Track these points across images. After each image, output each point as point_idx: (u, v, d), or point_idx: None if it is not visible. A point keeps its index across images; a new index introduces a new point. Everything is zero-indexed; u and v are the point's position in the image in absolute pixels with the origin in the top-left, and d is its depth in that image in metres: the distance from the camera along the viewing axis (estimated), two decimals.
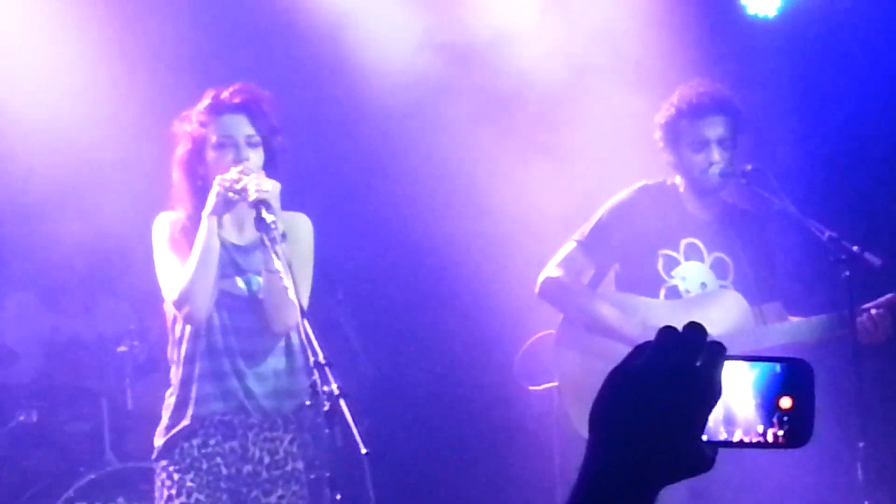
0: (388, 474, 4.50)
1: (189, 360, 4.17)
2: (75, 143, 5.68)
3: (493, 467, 6.32)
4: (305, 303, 3.96)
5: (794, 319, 4.67)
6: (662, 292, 4.68)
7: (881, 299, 4.46)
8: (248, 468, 4.16)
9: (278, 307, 4.06)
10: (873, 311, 4.44)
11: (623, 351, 4.26)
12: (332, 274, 5.58)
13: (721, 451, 1.34)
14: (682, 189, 4.76)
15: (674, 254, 4.70)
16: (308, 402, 3.74)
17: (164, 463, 4.18)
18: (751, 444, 1.34)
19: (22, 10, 5.77)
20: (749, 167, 4.62)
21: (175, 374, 4.24)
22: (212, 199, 4.06)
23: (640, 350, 1.33)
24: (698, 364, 1.31)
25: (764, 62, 6.30)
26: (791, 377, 1.34)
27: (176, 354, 4.24)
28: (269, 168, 4.19)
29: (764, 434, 1.33)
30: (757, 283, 4.71)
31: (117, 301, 6.18)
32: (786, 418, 1.33)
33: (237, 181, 4.03)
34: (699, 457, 1.31)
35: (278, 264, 3.84)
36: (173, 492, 4.13)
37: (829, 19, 6.27)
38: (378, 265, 6.53)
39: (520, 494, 5.99)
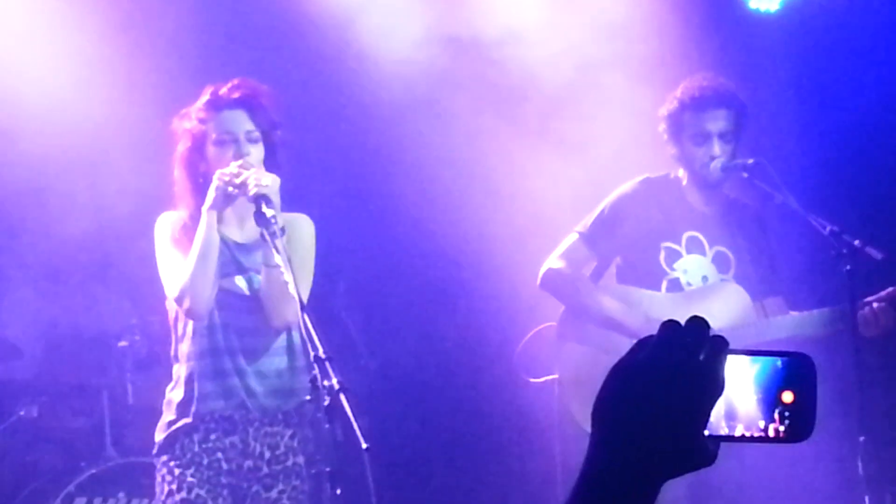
0: (389, 469, 4.51)
1: (190, 359, 4.17)
2: (76, 138, 5.67)
3: (494, 460, 6.32)
4: (305, 299, 3.95)
5: (795, 314, 4.67)
6: (664, 285, 4.68)
7: (882, 293, 4.46)
8: (248, 463, 4.16)
9: (277, 302, 4.05)
10: (875, 305, 4.44)
11: (624, 343, 4.27)
12: (333, 268, 5.58)
13: (721, 445, 1.33)
14: (684, 182, 4.76)
15: (675, 247, 4.70)
16: (308, 398, 3.74)
17: (164, 458, 4.18)
18: (752, 439, 1.33)
19: (23, 3, 5.76)
20: (750, 161, 4.62)
21: (177, 372, 4.24)
22: (211, 194, 4.06)
23: (643, 344, 1.33)
24: (701, 358, 1.30)
25: (766, 57, 6.29)
26: (793, 371, 1.34)
27: (178, 352, 4.24)
28: (270, 163, 4.19)
29: (766, 429, 1.33)
30: (758, 278, 4.71)
31: (118, 296, 6.18)
32: (787, 413, 1.33)
33: (237, 175, 4.03)
34: (702, 451, 1.30)
35: (278, 259, 3.84)
36: (174, 487, 4.13)
37: (830, 14, 6.26)
38: (379, 259, 6.53)
39: (521, 487, 5.99)
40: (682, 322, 1.33)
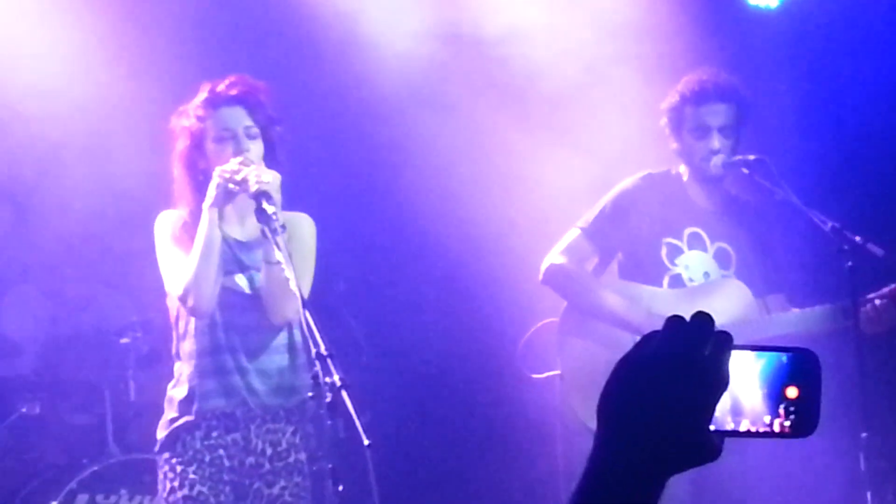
0: (391, 465, 4.51)
1: (192, 357, 4.17)
2: (76, 135, 5.68)
3: (496, 456, 6.33)
4: (306, 297, 3.95)
5: (796, 310, 4.67)
6: (666, 281, 4.68)
7: (884, 289, 4.46)
8: (250, 460, 4.16)
9: (278, 299, 4.05)
10: (876, 302, 4.44)
11: (626, 339, 4.28)
12: (335, 265, 5.57)
13: (724, 440, 1.34)
14: (685, 178, 4.77)
15: (677, 242, 4.70)
16: (310, 394, 3.74)
17: (166, 455, 4.18)
18: (757, 434, 1.33)
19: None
20: (752, 157, 4.62)
21: (178, 369, 4.24)
22: (212, 191, 4.06)
23: (648, 340, 1.33)
24: (706, 353, 1.30)
25: (766, 53, 6.29)
26: (798, 367, 1.34)
27: (179, 350, 4.24)
28: (269, 159, 4.19)
29: (770, 424, 1.33)
30: (760, 274, 4.71)
31: (119, 293, 6.18)
32: (792, 408, 1.33)
33: (237, 172, 4.03)
34: (708, 446, 1.31)
35: (279, 255, 3.84)
36: (176, 484, 4.13)
37: (830, 10, 6.26)
38: (380, 256, 6.53)
39: (523, 482, 5.99)
40: (686, 318, 1.33)
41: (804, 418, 1.33)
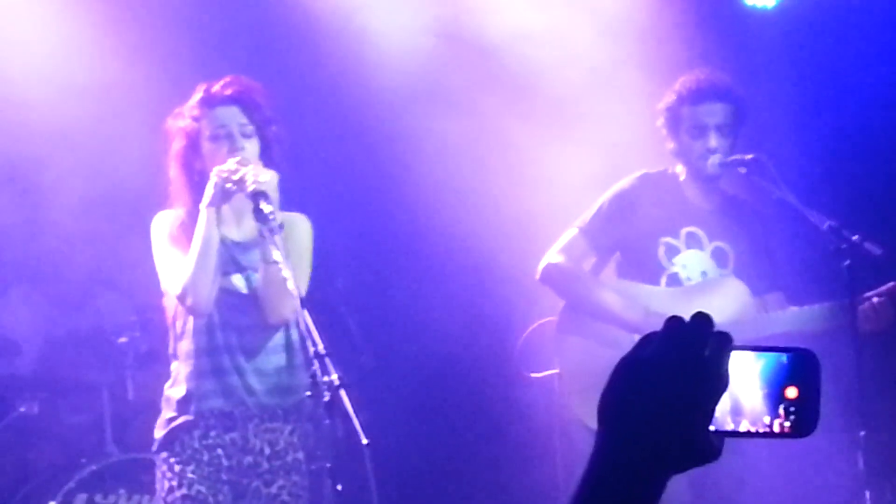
0: (389, 464, 4.50)
1: (189, 356, 4.18)
2: (73, 136, 5.67)
3: (495, 455, 6.32)
4: (303, 295, 3.96)
5: (794, 309, 4.67)
6: (663, 280, 4.69)
7: (882, 288, 4.46)
8: (248, 459, 4.17)
9: (276, 298, 4.05)
10: (874, 300, 4.44)
11: (624, 337, 4.28)
12: (333, 263, 5.57)
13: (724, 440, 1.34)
14: (682, 178, 4.77)
15: (674, 242, 4.71)
16: (308, 394, 3.75)
17: (164, 455, 4.18)
18: (757, 434, 1.34)
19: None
20: (749, 157, 4.62)
21: (176, 369, 4.25)
22: (209, 191, 4.07)
23: (648, 340, 1.34)
24: (706, 354, 1.31)
25: (763, 53, 6.30)
26: (797, 367, 1.35)
27: (177, 350, 4.25)
28: (266, 158, 4.19)
29: (770, 424, 1.34)
30: (757, 273, 4.72)
31: (117, 292, 6.18)
32: (792, 408, 1.34)
33: (234, 172, 4.03)
34: (708, 447, 1.31)
35: (277, 255, 3.84)
36: (174, 483, 4.13)
37: (827, 10, 6.27)
38: (378, 255, 6.52)
39: (522, 482, 5.99)
40: (684, 317, 1.33)
41: (804, 418, 1.33)
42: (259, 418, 4.18)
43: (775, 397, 1.34)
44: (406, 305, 6.51)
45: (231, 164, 4.07)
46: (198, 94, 4.24)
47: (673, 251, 4.71)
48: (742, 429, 1.34)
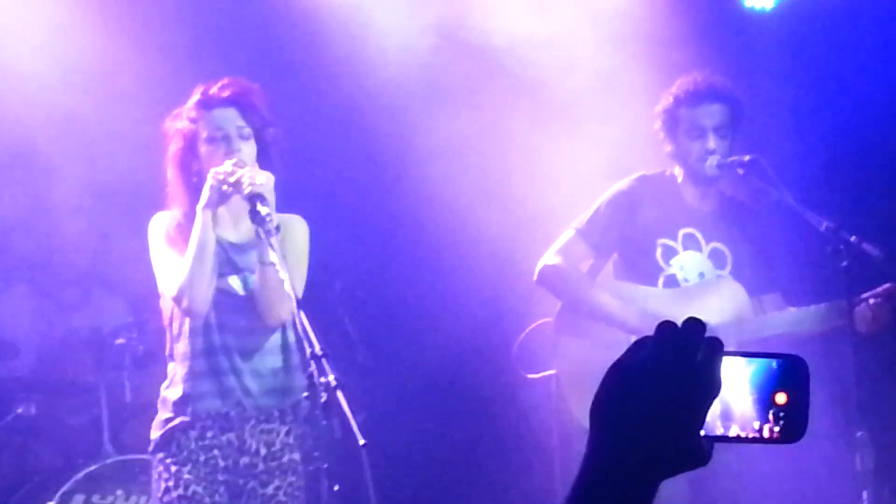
0: (386, 465, 4.50)
1: (186, 358, 4.18)
2: (71, 138, 5.67)
3: (492, 455, 6.33)
4: (300, 296, 3.96)
5: (792, 309, 4.68)
6: (661, 281, 4.69)
7: (879, 289, 4.46)
8: (244, 460, 4.17)
9: (273, 300, 4.06)
10: (871, 301, 4.44)
11: (622, 338, 4.27)
12: (330, 264, 5.57)
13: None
14: (680, 179, 4.78)
15: (672, 243, 4.71)
16: (305, 394, 3.75)
17: (160, 455, 4.18)
18: (747, 440, 1.34)
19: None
20: (747, 158, 4.62)
21: (172, 370, 4.25)
22: (206, 192, 4.07)
23: (640, 345, 1.34)
24: (698, 359, 1.31)
25: (761, 55, 6.30)
26: (787, 373, 1.35)
27: (173, 351, 4.25)
28: (263, 160, 4.20)
29: (760, 429, 1.34)
30: (755, 274, 4.72)
31: (114, 294, 6.18)
32: (782, 413, 1.34)
33: (231, 174, 4.03)
34: (698, 451, 1.31)
35: (273, 257, 3.84)
36: (171, 484, 4.13)
37: (826, 12, 6.27)
38: (376, 256, 6.52)
39: (519, 483, 5.99)
40: (681, 318, 1.34)
41: (792, 424, 1.34)
42: (255, 419, 4.18)
43: (765, 403, 1.34)
44: (404, 306, 6.51)
45: (228, 165, 4.07)
46: (195, 96, 4.24)
47: (670, 252, 4.71)
48: (732, 434, 1.34)
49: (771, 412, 1.34)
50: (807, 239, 4.70)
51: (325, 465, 3.76)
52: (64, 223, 5.91)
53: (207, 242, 4.07)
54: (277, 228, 3.93)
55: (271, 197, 3.98)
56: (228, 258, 4.20)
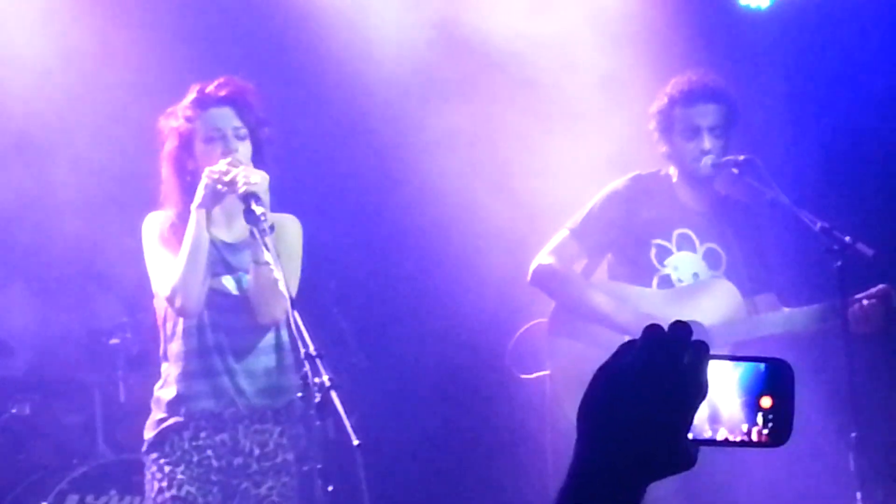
0: (380, 465, 4.50)
1: (180, 358, 4.18)
2: (67, 138, 5.67)
3: (485, 456, 6.32)
4: (294, 295, 3.96)
5: (786, 310, 4.68)
6: (655, 281, 4.68)
7: (873, 290, 4.46)
8: (238, 460, 4.17)
9: (267, 299, 4.06)
10: (865, 302, 4.44)
11: (616, 339, 4.26)
12: (325, 264, 5.57)
13: None
14: (674, 179, 4.77)
15: (666, 244, 4.71)
16: (299, 395, 3.75)
17: (154, 456, 4.18)
18: (735, 443, 1.34)
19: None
20: (741, 157, 4.62)
21: (166, 370, 4.25)
22: (200, 192, 4.07)
23: (627, 348, 1.34)
24: (685, 362, 1.31)
25: (756, 54, 6.30)
26: (773, 377, 1.35)
27: (167, 351, 4.24)
28: (257, 160, 4.19)
29: (748, 433, 1.34)
30: (749, 274, 4.72)
31: (109, 293, 6.17)
32: (770, 416, 1.34)
33: (226, 173, 4.03)
34: (686, 454, 1.31)
35: (268, 256, 3.84)
36: (164, 484, 4.13)
37: (821, 11, 6.26)
38: (370, 256, 6.52)
39: (512, 483, 5.99)
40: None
41: (779, 427, 1.34)
42: (249, 419, 4.18)
43: (752, 406, 1.34)
44: (399, 306, 6.51)
45: (222, 165, 4.07)
46: (191, 95, 4.23)
47: (665, 253, 4.70)
48: (720, 437, 1.35)
49: (758, 415, 1.34)
50: (801, 239, 4.70)
51: (319, 466, 3.76)
52: (58, 223, 5.90)
53: (201, 242, 4.07)
54: (272, 228, 3.93)
55: (266, 196, 3.98)
56: (222, 258, 4.20)
